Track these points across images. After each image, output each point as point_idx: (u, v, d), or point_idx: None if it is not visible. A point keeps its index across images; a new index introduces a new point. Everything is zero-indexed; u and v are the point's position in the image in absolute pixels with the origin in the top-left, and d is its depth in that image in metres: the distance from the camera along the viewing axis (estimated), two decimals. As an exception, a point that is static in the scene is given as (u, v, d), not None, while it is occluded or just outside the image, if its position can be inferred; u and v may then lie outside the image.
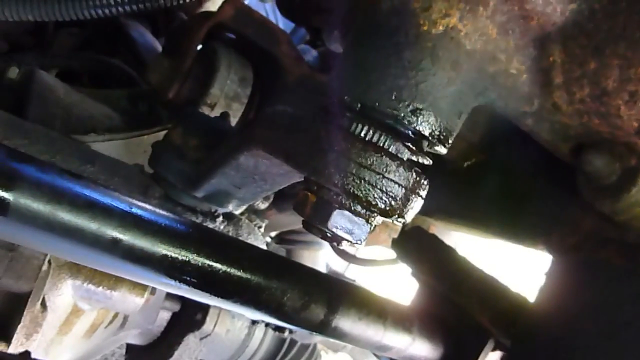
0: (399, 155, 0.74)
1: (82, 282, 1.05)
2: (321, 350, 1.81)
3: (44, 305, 1.01)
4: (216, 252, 0.83)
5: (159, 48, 1.89)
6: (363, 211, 0.73)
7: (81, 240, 0.72)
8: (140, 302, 1.11)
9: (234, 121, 1.45)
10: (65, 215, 0.70)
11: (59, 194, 0.70)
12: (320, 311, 0.93)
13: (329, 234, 0.75)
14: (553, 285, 0.94)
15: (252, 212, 1.31)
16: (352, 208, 0.73)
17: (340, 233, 0.74)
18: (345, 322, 0.96)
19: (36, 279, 0.98)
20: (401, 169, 0.71)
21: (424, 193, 0.74)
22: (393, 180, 0.71)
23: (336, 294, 0.96)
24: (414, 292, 1.25)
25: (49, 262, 1.00)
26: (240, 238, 1.21)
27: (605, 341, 0.83)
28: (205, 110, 1.43)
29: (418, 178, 0.73)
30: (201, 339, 1.37)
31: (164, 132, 1.13)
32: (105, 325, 1.20)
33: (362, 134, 0.72)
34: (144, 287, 1.11)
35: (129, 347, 1.52)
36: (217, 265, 0.82)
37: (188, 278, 0.81)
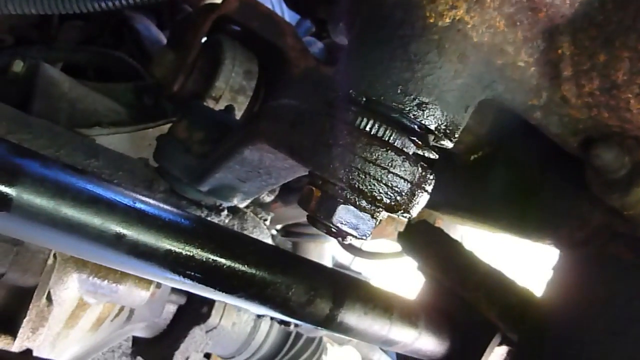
0: (405, 149, 0.73)
1: (88, 276, 1.06)
2: (327, 343, 1.81)
3: (49, 299, 1.01)
4: (220, 247, 0.82)
5: (164, 41, 1.88)
6: (368, 206, 0.72)
7: (85, 236, 0.72)
8: (146, 296, 1.12)
9: (239, 114, 1.45)
10: (69, 211, 0.70)
11: (62, 189, 0.70)
12: (326, 306, 0.92)
13: (333, 229, 0.74)
14: (561, 280, 0.93)
15: (257, 205, 1.31)
16: (357, 203, 0.72)
17: (345, 228, 0.73)
18: (351, 317, 0.95)
19: (42, 273, 0.98)
20: (407, 164, 0.70)
21: (429, 188, 0.73)
22: (398, 175, 0.70)
23: (341, 289, 0.95)
24: (420, 285, 1.25)
25: (55, 256, 1.00)
26: (245, 232, 1.21)
27: (613, 336, 0.82)
28: (210, 103, 1.42)
29: (424, 173, 0.72)
30: (207, 332, 1.38)
31: (169, 125, 1.13)
32: (112, 318, 1.20)
33: (368, 128, 0.71)
34: (149, 281, 1.11)
35: (135, 339, 1.53)
36: (222, 260, 0.82)
37: (192, 273, 0.80)
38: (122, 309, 1.21)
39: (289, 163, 0.94)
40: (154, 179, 1.10)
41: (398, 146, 0.72)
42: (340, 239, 0.76)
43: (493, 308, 1.04)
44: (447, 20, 0.69)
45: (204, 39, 1.47)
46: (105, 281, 1.07)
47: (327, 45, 1.82)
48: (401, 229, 1.31)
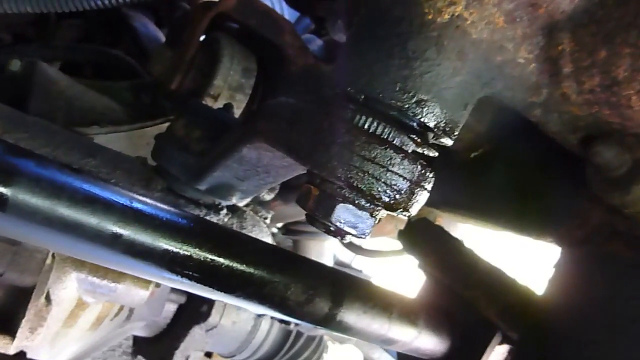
0: (404, 147, 0.73)
1: (86, 275, 1.05)
2: (328, 341, 1.81)
3: (48, 299, 1.01)
4: (218, 246, 0.82)
5: (162, 39, 1.88)
6: (367, 205, 0.72)
7: (81, 236, 0.71)
8: (145, 295, 1.11)
9: (237, 112, 1.44)
10: (65, 211, 0.69)
11: (58, 189, 0.69)
12: (325, 305, 0.92)
13: (332, 228, 0.74)
14: (561, 278, 0.93)
15: (257, 203, 1.30)
16: (356, 202, 0.72)
17: (343, 227, 0.73)
18: (350, 316, 0.95)
19: (40, 273, 0.98)
20: (406, 162, 0.70)
21: (429, 186, 0.73)
22: (397, 174, 0.70)
23: (340, 287, 0.95)
24: (421, 282, 1.24)
25: (53, 255, 0.99)
26: (244, 230, 1.21)
27: (613, 334, 0.82)
28: (209, 101, 1.42)
29: (423, 171, 0.71)
30: (207, 330, 1.38)
31: (167, 123, 1.12)
32: (111, 317, 1.20)
33: (366, 126, 0.71)
34: (149, 280, 1.10)
35: (136, 339, 1.52)
36: (220, 260, 0.81)
37: (190, 273, 0.80)
38: (121, 308, 1.21)
39: (287, 161, 0.94)
40: (152, 177, 1.10)
41: (397, 144, 0.72)
42: (339, 237, 0.76)
43: (493, 306, 1.04)
44: (446, 16, 0.68)
45: (202, 37, 1.47)
46: (104, 280, 1.07)
47: (326, 42, 1.82)
48: (401, 226, 1.31)
